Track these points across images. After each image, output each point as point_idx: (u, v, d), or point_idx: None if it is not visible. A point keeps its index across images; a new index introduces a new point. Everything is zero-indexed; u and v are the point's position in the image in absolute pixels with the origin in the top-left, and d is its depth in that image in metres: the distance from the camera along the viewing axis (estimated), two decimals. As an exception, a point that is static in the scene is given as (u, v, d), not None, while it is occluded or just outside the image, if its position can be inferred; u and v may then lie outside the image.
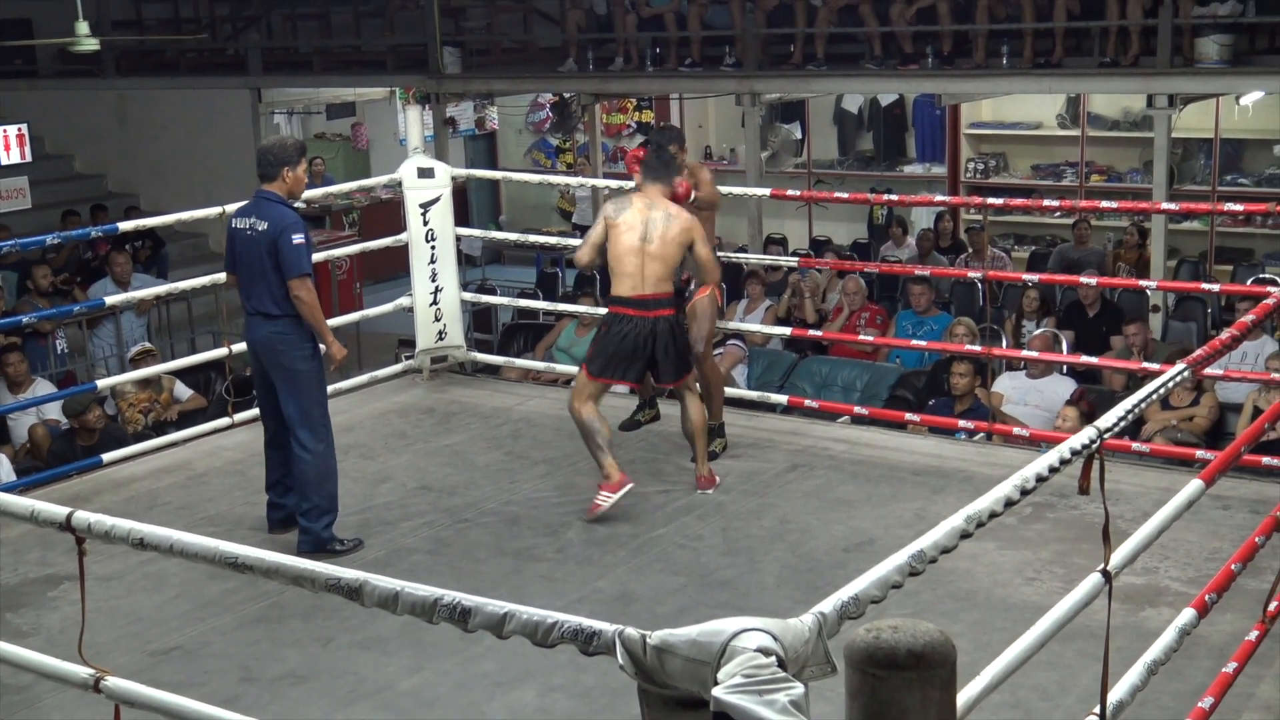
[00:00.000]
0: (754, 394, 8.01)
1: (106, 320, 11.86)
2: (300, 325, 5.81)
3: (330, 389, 6.09)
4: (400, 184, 7.82)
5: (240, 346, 7.85)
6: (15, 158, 12.20)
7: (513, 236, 9.91)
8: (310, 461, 5.80)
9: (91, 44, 12.30)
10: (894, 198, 8.98)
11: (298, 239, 5.74)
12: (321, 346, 5.94)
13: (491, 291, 12.17)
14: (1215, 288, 8.28)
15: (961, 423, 7.42)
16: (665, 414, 7.06)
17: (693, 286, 6.69)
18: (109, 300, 7.95)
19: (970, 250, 13.02)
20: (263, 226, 5.77)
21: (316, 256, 9.05)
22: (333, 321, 8.91)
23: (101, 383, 8.44)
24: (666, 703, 2.32)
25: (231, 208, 6.24)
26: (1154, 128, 11.88)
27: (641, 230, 6.13)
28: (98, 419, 8.39)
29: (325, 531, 5.79)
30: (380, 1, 16.32)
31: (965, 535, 2.74)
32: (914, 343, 9.57)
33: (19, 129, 12.27)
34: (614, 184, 7.98)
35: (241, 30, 17.16)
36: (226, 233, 5.97)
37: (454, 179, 7.98)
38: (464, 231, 8.42)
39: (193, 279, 7.67)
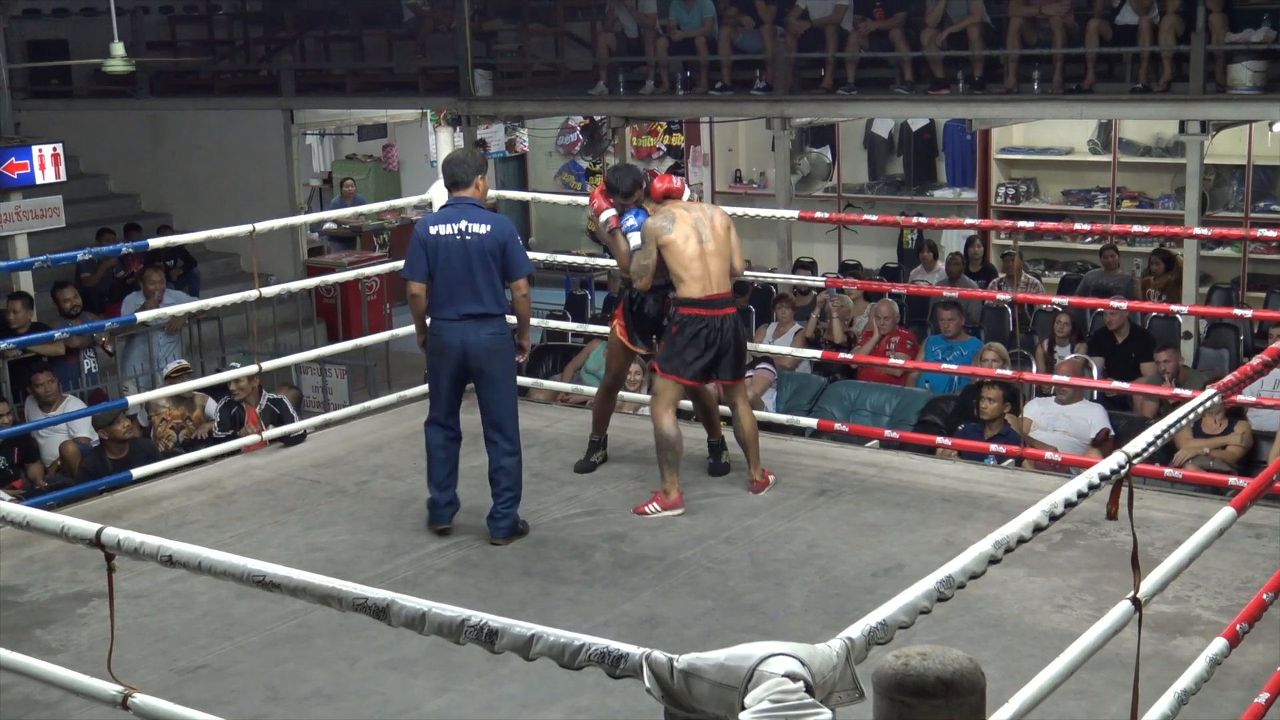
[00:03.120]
0: (783, 417, 7.99)
1: (138, 338, 11.93)
2: (508, 326, 6.10)
3: (358, 408, 6.41)
4: (431, 205, 7.83)
5: (272, 363, 7.93)
6: (50, 177, 12.27)
7: (542, 257, 9.90)
8: (517, 457, 6.13)
9: (126, 65, 12.42)
10: (923, 220, 8.95)
11: (519, 240, 6.07)
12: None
13: (520, 313, 12.16)
14: (1248, 314, 8.23)
15: (991, 447, 7.39)
16: (695, 436, 7.04)
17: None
18: (140, 317, 8.00)
19: (1003, 275, 12.97)
20: (483, 229, 5.94)
21: (347, 276, 9.19)
22: (363, 341, 9.01)
23: (133, 399, 8.49)
24: (693, 727, 2.31)
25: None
26: (1186, 154, 11.85)
27: (697, 234, 6.36)
28: (127, 429, 8.44)
29: (518, 519, 6.11)
30: (412, 24, 16.42)
31: (994, 561, 2.72)
32: (944, 366, 9.54)
33: (54, 148, 12.34)
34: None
35: (275, 52, 17.29)
36: (419, 240, 6.02)
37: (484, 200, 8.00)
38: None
39: (224, 297, 7.71)
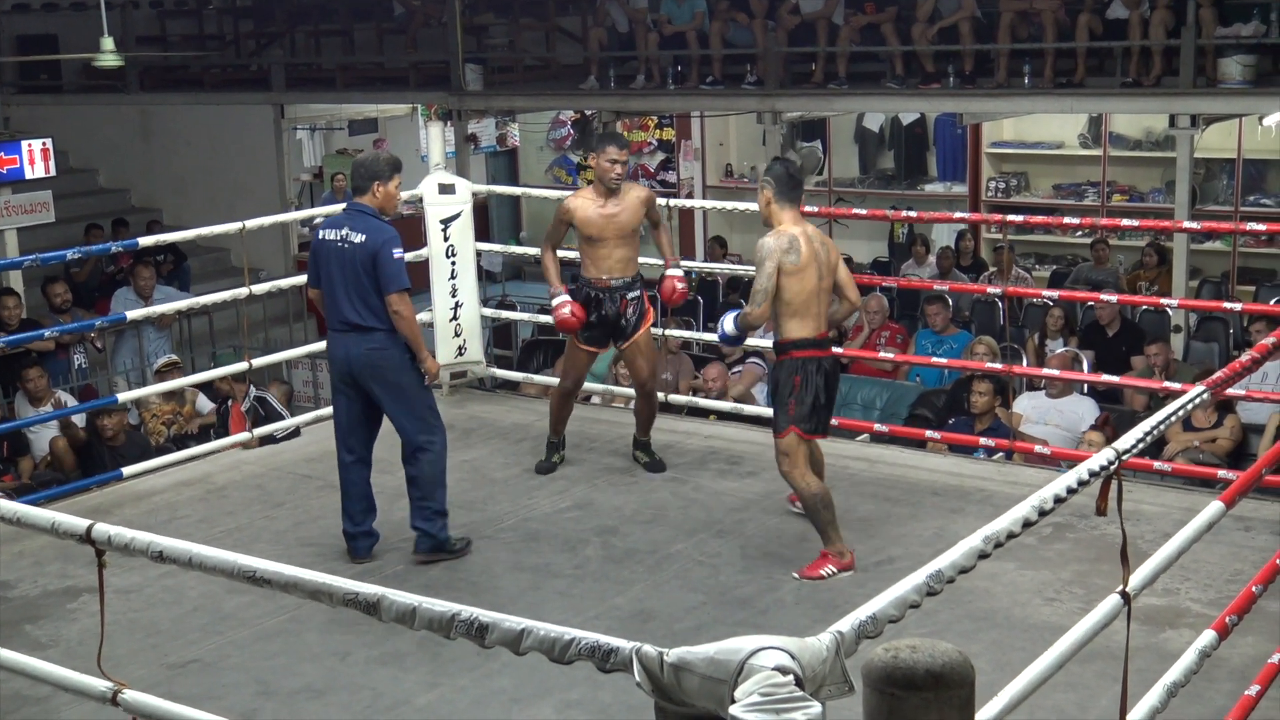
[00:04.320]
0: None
1: (128, 334, 11.91)
2: (396, 336, 5.75)
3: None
4: (421, 200, 7.84)
5: (262, 360, 7.91)
6: (40, 172, 12.25)
7: (533, 252, 9.88)
8: (432, 462, 5.81)
9: (116, 60, 12.38)
10: (913, 214, 8.96)
11: (398, 253, 5.67)
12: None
13: (511, 307, 12.17)
14: (1237, 307, 8.25)
15: (982, 441, 7.40)
16: (686, 430, 7.04)
17: (634, 315, 6.71)
18: (130, 315, 7.98)
19: (994, 269, 12.99)
20: (359, 238, 5.68)
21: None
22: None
23: (123, 395, 8.49)
24: (683, 720, 2.32)
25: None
26: (1176, 148, 11.86)
27: (817, 268, 5.62)
28: (116, 424, 8.43)
29: (443, 533, 5.81)
30: (403, 18, 16.40)
31: (984, 555, 2.73)
32: (934, 360, 9.55)
33: (44, 143, 12.32)
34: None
35: (265, 46, 17.26)
36: (311, 245, 5.88)
37: (475, 195, 8.01)
38: (485, 247, 8.44)
39: (214, 294, 7.70)
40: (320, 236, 5.80)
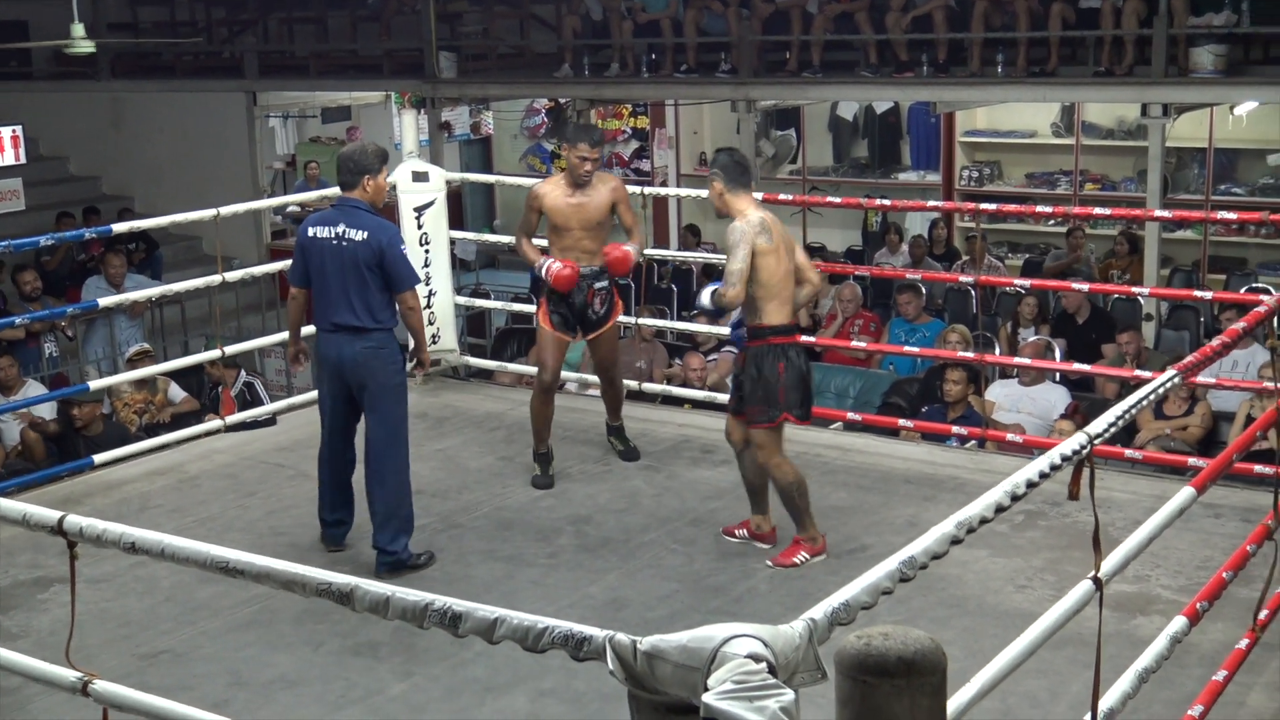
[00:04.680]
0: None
1: (99, 322, 11.85)
2: (392, 339, 5.61)
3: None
4: (395, 187, 7.81)
5: (235, 348, 7.87)
6: (10, 159, 12.19)
7: (507, 240, 9.88)
8: (398, 482, 5.62)
9: (87, 46, 12.30)
10: (886, 203, 8.97)
11: (405, 249, 5.60)
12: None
13: (485, 296, 12.17)
14: (1208, 296, 8.29)
15: (954, 429, 7.43)
16: (660, 419, 7.05)
17: (603, 306, 6.62)
18: (102, 302, 7.94)
19: (966, 258, 13.03)
20: (359, 235, 5.48)
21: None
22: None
23: (94, 384, 8.44)
24: (657, 708, 2.32)
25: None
26: (1148, 137, 11.91)
27: (788, 251, 5.64)
28: (88, 414, 8.38)
29: (405, 553, 5.59)
30: (376, 6, 16.33)
31: (956, 542, 2.74)
32: (908, 349, 9.57)
33: (14, 131, 12.26)
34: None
35: (237, 34, 17.17)
36: (299, 243, 5.66)
37: (449, 183, 7.99)
38: (458, 235, 8.43)
39: (186, 281, 7.67)
40: (310, 234, 5.59)
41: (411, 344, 5.85)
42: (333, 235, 5.53)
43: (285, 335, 8.86)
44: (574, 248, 6.57)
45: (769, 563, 5.58)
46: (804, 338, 6.71)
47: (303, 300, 5.77)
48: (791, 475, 5.62)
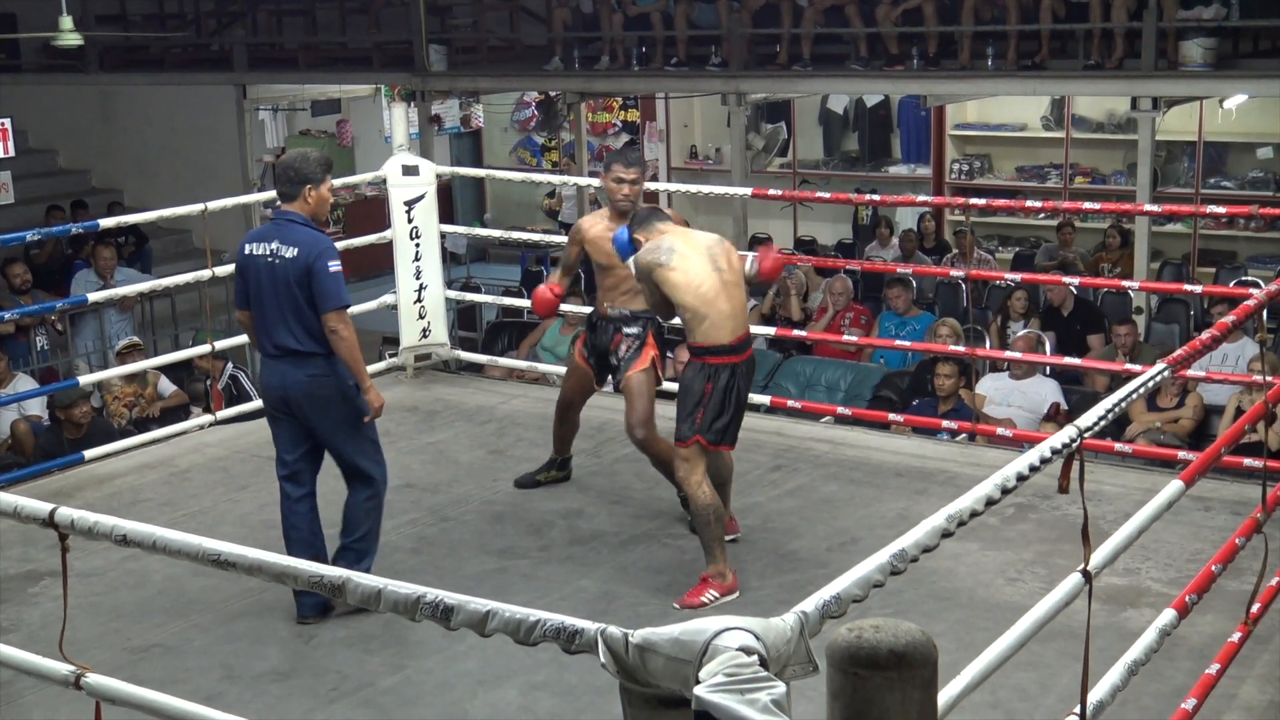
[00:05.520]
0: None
1: (89, 315, 11.83)
2: (338, 364, 5.14)
3: None
4: (385, 181, 7.81)
5: (225, 343, 7.86)
6: (-2, 152, 12.16)
7: (497, 234, 9.93)
8: (374, 500, 5.27)
9: (75, 39, 12.27)
10: (876, 198, 9.00)
11: (334, 266, 5.05)
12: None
13: (476, 289, 12.16)
14: (1197, 289, 8.31)
15: (945, 423, 7.44)
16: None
17: (628, 353, 5.94)
18: (91, 297, 7.92)
19: (956, 252, 13.05)
20: (290, 253, 5.04)
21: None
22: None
23: (84, 378, 8.43)
24: (649, 701, 2.33)
25: (222, 203, 5.72)
26: (1138, 130, 11.92)
27: (710, 263, 5.25)
28: (84, 414, 8.37)
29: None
30: (366, -2, 16.30)
31: (947, 535, 2.74)
32: (898, 343, 9.59)
33: (2, 124, 12.21)
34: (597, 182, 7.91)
35: (226, 26, 17.12)
36: (237, 262, 5.24)
37: (439, 176, 7.98)
38: (449, 229, 8.41)
39: (177, 275, 7.65)
40: (246, 251, 5.16)
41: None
42: (268, 253, 5.10)
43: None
44: (613, 288, 5.96)
45: (675, 605, 5.20)
46: (796, 332, 6.60)
47: (249, 323, 5.30)
48: (708, 499, 5.27)
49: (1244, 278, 12.34)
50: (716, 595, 5.22)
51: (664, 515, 6.06)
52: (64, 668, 3.26)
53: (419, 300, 7.86)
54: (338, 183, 9.93)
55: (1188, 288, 9.27)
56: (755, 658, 2.18)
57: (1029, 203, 7.95)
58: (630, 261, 5.45)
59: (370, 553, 5.29)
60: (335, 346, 5.07)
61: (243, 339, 8.36)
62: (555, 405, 6.40)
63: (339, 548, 5.26)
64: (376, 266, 13.39)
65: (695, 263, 5.22)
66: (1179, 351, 3.81)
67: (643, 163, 6.33)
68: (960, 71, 12.40)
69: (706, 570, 5.28)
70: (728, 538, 5.53)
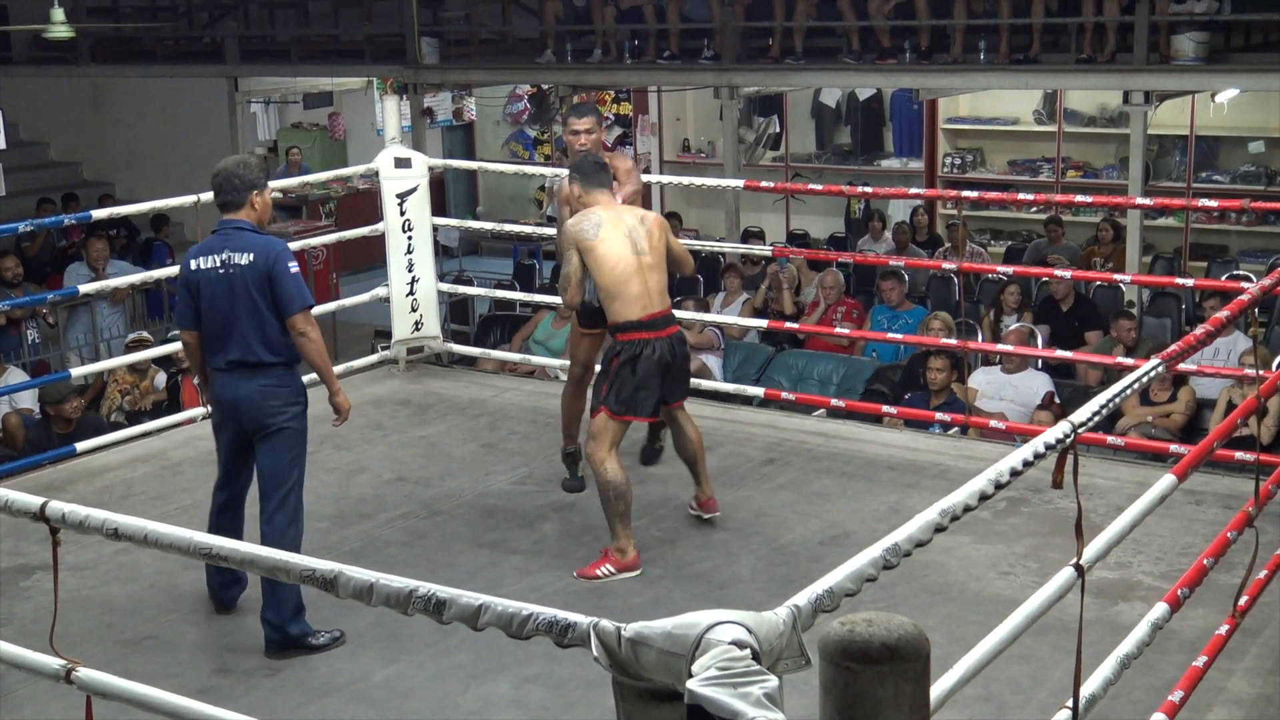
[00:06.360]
0: (730, 387, 8.02)
1: (81, 309, 11.81)
2: (293, 376, 5.03)
3: (305, 379, 5.24)
4: (377, 174, 7.80)
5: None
6: (-11, 145, 12.12)
7: (490, 227, 9.93)
8: (284, 540, 4.86)
9: (67, 31, 12.26)
10: (868, 190, 8.99)
11: (294, 267, 4.93)
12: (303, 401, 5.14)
13: (468, 283, 12.15)
14: (1189, 283, 8.31)
15: (937, 416, 7.44)
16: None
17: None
18: (83, 289, 7.90)
19: (948, 245, 13.05)
20: (245, 259, 4.90)
21: (293, 246, 9.09)
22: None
23: (76, 371, 8.41)
24: (641, 695, 2.32)
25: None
26: (1130, 124, 11.93)
27: (630, 244, 5.48)
28: (75, 409, 8.36)
29: (299, 628, 4.87)
30: (358, -9, 16.27)
31: (940, 529, 2.74)
32: (891, 336, 9.59)
33: (-7, 116, 12.19)
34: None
35: (218, 19, 17.09)
36: (183, 279, 5.04)
37: (431, 169, 7.97)
38: (441, 222, 8.41)
39: (169, 269, 7.63)
40: (193, 267, 4.97)
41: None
42: (218, 264, 4.93)
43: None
44: None
45: (575, 573, 5.38)
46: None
47: (196, 343, 5.09)
48: (610, 475, 5.41)
49: (1236, 271, 12.35)
50: (612, 570, 5.38)
51: (656, 509, 6.06)
52: (55, 662, 3.26)
53: (411, 293, 7.85)
54: (329, 175, 10.03)
55: (1180, 281, 9.25)
56: (748, 651, 2.18)
57: (1022, 195, 7.95)
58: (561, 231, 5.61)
59: (299, 601, 4.90)
60: (303, 349, 4.98)
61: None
62: (567, 383, 6.43)
63: (266, 596, 4.88)
64: (369, 259, 13.39)
65: (615, 244, 5.46)
66: (1173, 347, 3.82)
67: (596, 112, 6.59)
68: (953, 65, 12.41)
69: (609, 545, 5.44)
70: (705, 516, 5.77)
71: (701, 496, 5.89)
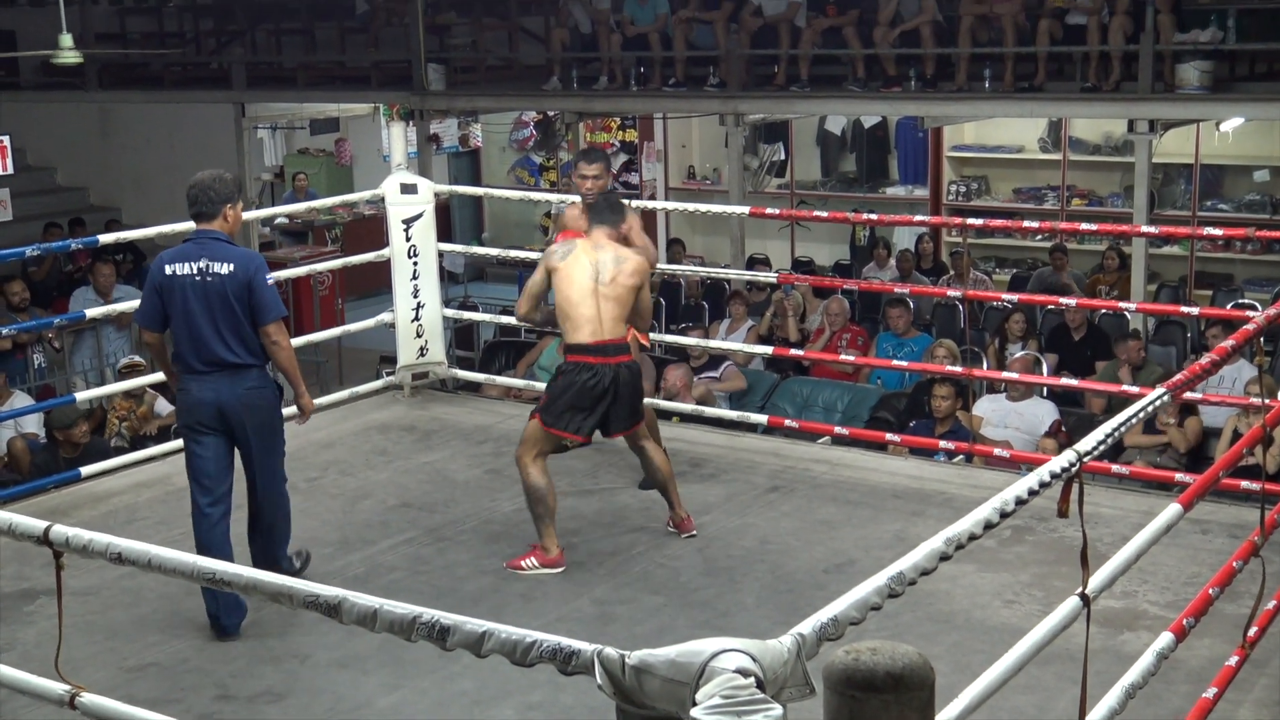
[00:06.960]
0: (734, 414, 8.00)
1: (86, 333, 11.82)
2: (267, 376, 5.35)
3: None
4: (383, 200, 7.82)
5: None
6: (-3, 170, 12.17)
7: (495, 253, 9.91)
8: (285, 519, 5.50)
9: (75, 56, 12.29)
10: (873, 217, 9.01)
11: (271, 280, 5.26)
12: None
13: (473, 308, 12.16)
14: (1194, 311, 8.32)
15: (942, 444, 7.43)
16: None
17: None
18: (89, 313, 7.92)
19: (952, 273, 13.06)
20: (226, 269, 5.16)
21: (299, 271, 9.13)
22: (315, 337, 8.94)
23: (81, 395, 8.42)
24: (645, 723, 2.32)
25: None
26: (1135, 153, 11.94)
27: (592, 271, 5.77)
28: (82, 434, 8.35)
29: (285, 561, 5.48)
30: (365, 17, 16.34)
31: (944, 557, 2.74)
32: (896, 363, 9.59)
33: (1, 140, 12.22)
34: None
35: (225, 44, 17.16)
36: (151, 282, 5.28)
37: (437, 195, 7.98)
38: (447, 248, 8.42)
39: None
40: (169, 272, 5.21)
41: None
42: (194, 271, 5.18)
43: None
44: None
45: (504, 564, 5.76)
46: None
47: (159, 344, 5.45)
48: (533, 480, 5.74)
49: (1241, 300, 12.35)
50: (535, 564, 5.71)
51: (660, 536, 6.05)
52: (59, 687, 3.25)
53: (416, 319, 7.86)
54: (335, 201, 10.06)
55: (1185, 310, 9.28)
56: (752, 680, 2.17)
57: (1026, 223, 7.96)
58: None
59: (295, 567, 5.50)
60: (275, 355, 5.30)
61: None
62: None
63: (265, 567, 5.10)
64: (374, 285, 13.41)
65: (578, 270, 5.78)
66: (1179, 376, 3.81)
67: (605, 159, 6.83)
68: (958, 93, 12.43)
69: (537, 541, 5.77)
70: (683, 535, 5.99)
71: (675, 518, 6.06)
